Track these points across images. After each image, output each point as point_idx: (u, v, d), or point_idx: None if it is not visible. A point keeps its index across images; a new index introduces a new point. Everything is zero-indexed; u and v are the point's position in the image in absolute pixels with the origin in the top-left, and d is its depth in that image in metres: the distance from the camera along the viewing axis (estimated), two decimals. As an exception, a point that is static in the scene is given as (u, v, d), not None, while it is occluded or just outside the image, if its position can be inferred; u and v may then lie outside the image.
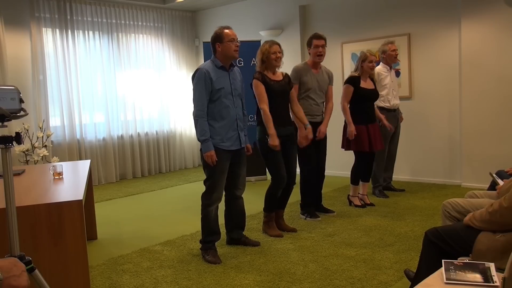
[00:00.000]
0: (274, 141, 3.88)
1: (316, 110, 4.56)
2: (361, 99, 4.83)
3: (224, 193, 3.80)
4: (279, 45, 4.05)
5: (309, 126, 4.24)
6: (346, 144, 4.88)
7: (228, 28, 3.61)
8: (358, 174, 4.99)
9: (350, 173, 5.05)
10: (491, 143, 5.55)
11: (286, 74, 4.20)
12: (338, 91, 6.75)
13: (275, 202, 4.13)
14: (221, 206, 3.81)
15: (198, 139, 3.53)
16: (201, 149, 3.57)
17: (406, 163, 6.34)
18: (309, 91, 4.48)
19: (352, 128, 4.76)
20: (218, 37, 3.57)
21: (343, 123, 4.90)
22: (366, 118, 4.85)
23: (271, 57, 3.98)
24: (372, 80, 5.00)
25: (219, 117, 3.55)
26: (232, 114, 3.60)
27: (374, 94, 4.95)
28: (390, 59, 5.33)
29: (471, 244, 2.22)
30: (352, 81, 4.84)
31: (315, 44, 4.49)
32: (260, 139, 4.02)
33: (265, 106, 3.92)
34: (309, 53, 4.59)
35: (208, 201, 3.64)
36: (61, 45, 6.79)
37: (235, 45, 3.56)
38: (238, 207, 3.89)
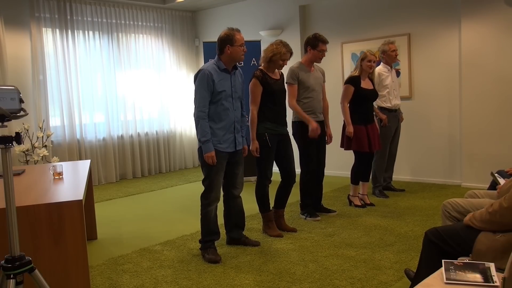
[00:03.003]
0: (253, 146, 3.94)
1: (319, 108, 4.58)
2: (361, 100, 4.84)
3: (222, 193, 3.81)
4: (291, 54, 4.10)
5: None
6: (346, 143, 4.88)
7: (238, 31, 3.60)
8: (358, 174, 5.00)
9: (350, 173, 5.05)
10: (491, 143, 5.55)
11: (282, 73, 4.24)
12: (338, 91, 6.76)
13: (266, 201, 4.15)
14: (220, 206, 3.82)
15: (199, 140, 3.54)
16: (199, 149, 3.60)
17: (406, 163, 6.35)
18: (309, 90, 4.48)
19: (350, 128, 4.76)
20: (230, 40, 3.55)
21: (342, 123, 4.91)
22: (365, 119, 4.86)
23: (279, 62, 4.02)
24: (371, 80, 5.00)
25: (218, 119, 3.57)
26: (231, 116, 3.61)
27: (373, 95, 4.96)
28: (390, 59, 5.33)
29: (471, 244, 2.23)
30: (352, 81, 4.84)
31: (321, 49, 4.49)
32: (256, 135, 4.05)
33: (254, 109, 3.99)
34: (308, 51, 4.56)
35: (206, 200, 3.65)
36: (61, 45, 6.79)
37: (243, 50, 3.58)
38: (237, 207, 3.89)
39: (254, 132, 3.98)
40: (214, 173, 3.58)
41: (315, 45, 4.50)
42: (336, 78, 6.83)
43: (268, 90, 4.00)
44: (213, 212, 3.69)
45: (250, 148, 3.98)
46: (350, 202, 5.08)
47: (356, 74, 4.88)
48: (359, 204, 4.99)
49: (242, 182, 3.86)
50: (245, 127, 3.84)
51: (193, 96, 3.59)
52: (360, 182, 5.05)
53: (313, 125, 4.33)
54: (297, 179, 4.60)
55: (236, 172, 3.77)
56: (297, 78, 4.42)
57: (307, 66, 4.53)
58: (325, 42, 4.52)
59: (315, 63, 4.64)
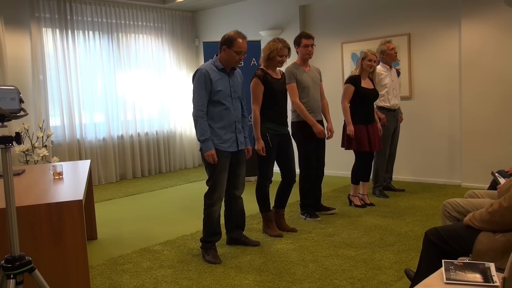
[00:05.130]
0: (259, 145, 3.95)
1: (318, 107, 4.59)
2: (362, 99, 4.83)
3: (224, 193, 3.81)
4: (289, 49, 4.09)
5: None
6: (346, 143, 4.88)
7: (243, 38, 3.53)
8: (358, 174, 4.99)
9: (350, 173, 5.05)
10: (491, 143, 5.55)
11: (283, 73, 4.24)
12: (338, 91, 6.75)
13: (266, 201, 4.15)
14: (221, 206, 3.81)
15: (198, 139, 3.54)
16: (201, 149, 3.58)
17: (406, 163, 6.34)
18: (306, 89, 4.48)
19: (351, 128, 4.76)
20: (229, 42, 3.52)
21: (343, 123, 4.91)
22: (365, 118, 4.85)
23: (277, 59, 4.02)
24: (371, 80, 5.00)
25: (218, 119, 3.56)
26: (232, 116, 3.60)
27: (374, 94, 4.96)
28: (390, 58, 5.33)
29: (471, 244, 2.22)
30: (353, 80, 4.84)
31: (304, 44, 4.50)
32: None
33: (256, 108, 3.99)
34: (297, 52, 4.59)
35: (210, 200, 3.64)
36: (61, 45, 6.79)
37: (239, 58, 3.55)
38: (238, 207, 3.89)
39: (259, 132, 3.97)
40: (217, 173, 3.57)
41: (298, 43, 4.55)
42: (336, 78, 6.83)
43: (269, 90, 3.99)
44: (217, 213, 3.68)
45: (256, 147, 3.97)
46: (350, 202, 5.08)
47: (357, 73, 4.88)
48: (359, 204, 4.99)
49: (244, 183, 3.86)
50: (247, 128, 3.84)
51: (192, 96, 3.59)
52: (360, 182, 5.05)
53: (318, 128, 4.38)
54: (297, 179, 4.61)
55: (238, 173, 3.77)
56: (295, 77, 4.43)
57: (302, 66, 4.54)
58: (308, 37, 4.51)
59: (310, 64, 4.65)
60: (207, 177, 3.65)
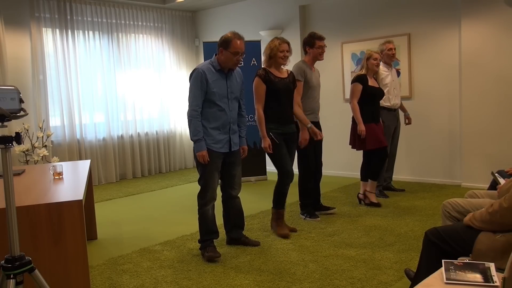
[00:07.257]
0: (265, 143, 3.94)
1: (318, 108, 4.59)
2: (369, 98, 4.83)
3: (220, 193, 3.81)
4: (288, 44, 4.07)
5: (312, 126, 4.27)
6: (358, 143, 4.85)
7: (239, 38, 3.52)
8: (375, 170, 4.93)
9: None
10: (491, 143, 5.55)
11: (291, 72, 4.22)
12: (338, 91, 6.77)
13: (282, 198, 4.12)
14: (219, 206, 3.81)
15: (191, 139, 3.55)
16: (193, 149, 3.59)
17: (406, 163, 6.34)
18: (312, 89, 4.48)
19: (362, 127, 4.74)
20: (225, 43, 3.51)
21: (351, 122, 4.89)
22: (374, 117, 4.86)
23: (278, 55, 4.00)
24: (376, 79, 5.01)
25: (213, 119, 3.56)
26: (226, 117, 3.60)
27: (380, 93, 4.96)
28: (387, 58, 5.34)
29: (471, 244, 2.22)
30: (360, 79, 4.82)
31: (319, 45, 4.49)
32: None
33: (259, 107, 3.98)
34: (307, 52, 4.57)
35: (203, 200, 3.65)
36: (61, 45, 6.79)
37: (237, 58, 3.54)
38: (235, 207, 3.89)
39: (264, 130, 3.95)
40: (208, 172, 3.58)
41: (312, 44, 4.52)
42: (336, 78, 6.83)
43: (271, 88, 3.97)
44: (210, 212, 3.69)
45: (262, 145, 3.96)
46: (361, 200, 5.03)
47: (363, 73, 4.88)
48: (375, 201, 4.95)
49: (240, 182, 3.86)
50: (245, 127, 3.84)
51: (188, 95, 3.58)
52: (369, 180, 5.00)
53: (305, 134, 4.33)
54: (296, 179, 4.60)
55: (233, 173, 3.76)
56: (304, 76, 4.42)
57: (310, 66, 4.54)
58: (321, 38, 4.51)
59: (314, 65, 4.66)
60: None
